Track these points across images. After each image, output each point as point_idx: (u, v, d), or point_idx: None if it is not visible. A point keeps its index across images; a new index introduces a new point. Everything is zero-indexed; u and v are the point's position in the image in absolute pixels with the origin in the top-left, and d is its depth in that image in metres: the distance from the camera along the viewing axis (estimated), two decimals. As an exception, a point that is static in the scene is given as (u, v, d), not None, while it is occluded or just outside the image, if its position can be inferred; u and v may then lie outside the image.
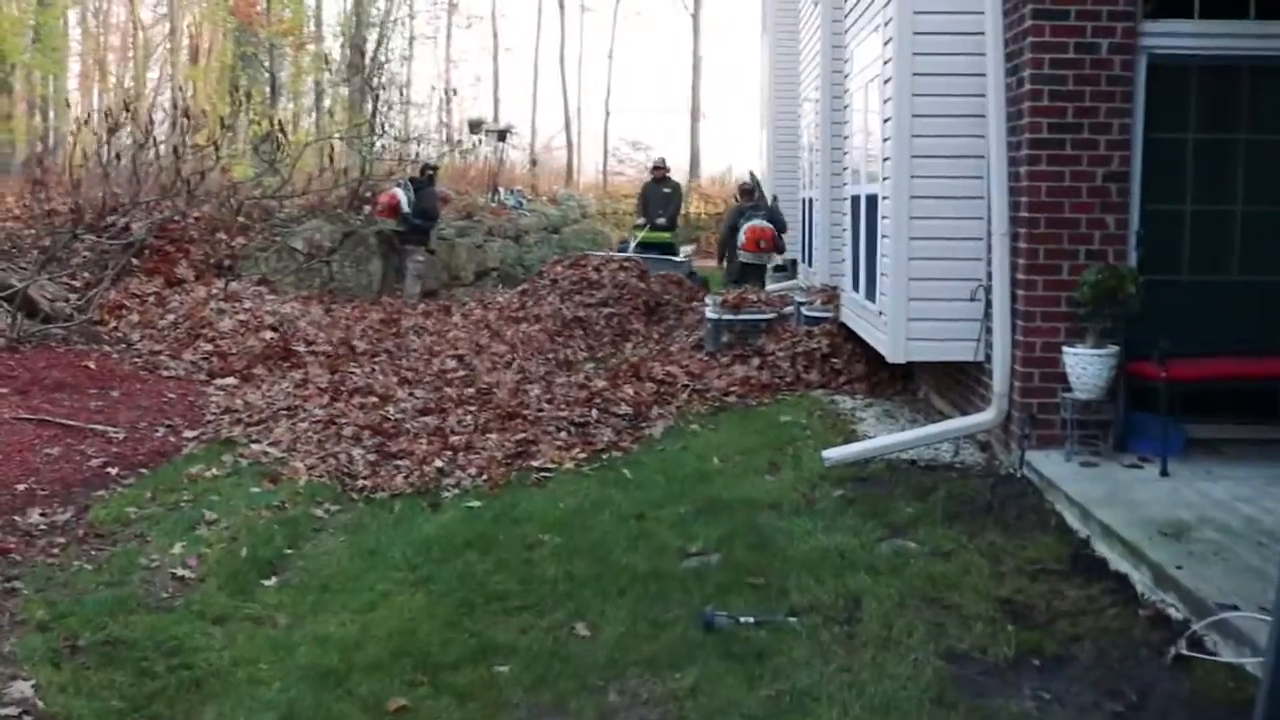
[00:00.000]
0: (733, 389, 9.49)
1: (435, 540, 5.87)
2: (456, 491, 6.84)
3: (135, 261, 12.14)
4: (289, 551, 5.82)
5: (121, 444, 7.65)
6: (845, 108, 10.20)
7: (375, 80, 16.59)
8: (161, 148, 11.80)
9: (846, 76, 10.07)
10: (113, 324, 10.85)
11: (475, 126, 21.06)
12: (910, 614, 4.54)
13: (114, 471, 7.09)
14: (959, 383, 7.97)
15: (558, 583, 5.16)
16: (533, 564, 5.45)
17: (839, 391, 9.47)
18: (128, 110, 11.77)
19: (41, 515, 6.22)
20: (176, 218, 12.88)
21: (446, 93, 17.45)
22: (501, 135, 20.48)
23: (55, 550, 5.69)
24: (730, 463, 7.26)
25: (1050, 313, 6.56)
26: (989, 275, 7.10)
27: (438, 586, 5.21)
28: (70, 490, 6.71)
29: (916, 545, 5.35)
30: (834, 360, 9.89)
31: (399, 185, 14.99)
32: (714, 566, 5.21)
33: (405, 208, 14.79)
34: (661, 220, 16.51)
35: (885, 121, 7.79)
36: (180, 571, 5.48)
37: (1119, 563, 4.98)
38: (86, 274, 11.74)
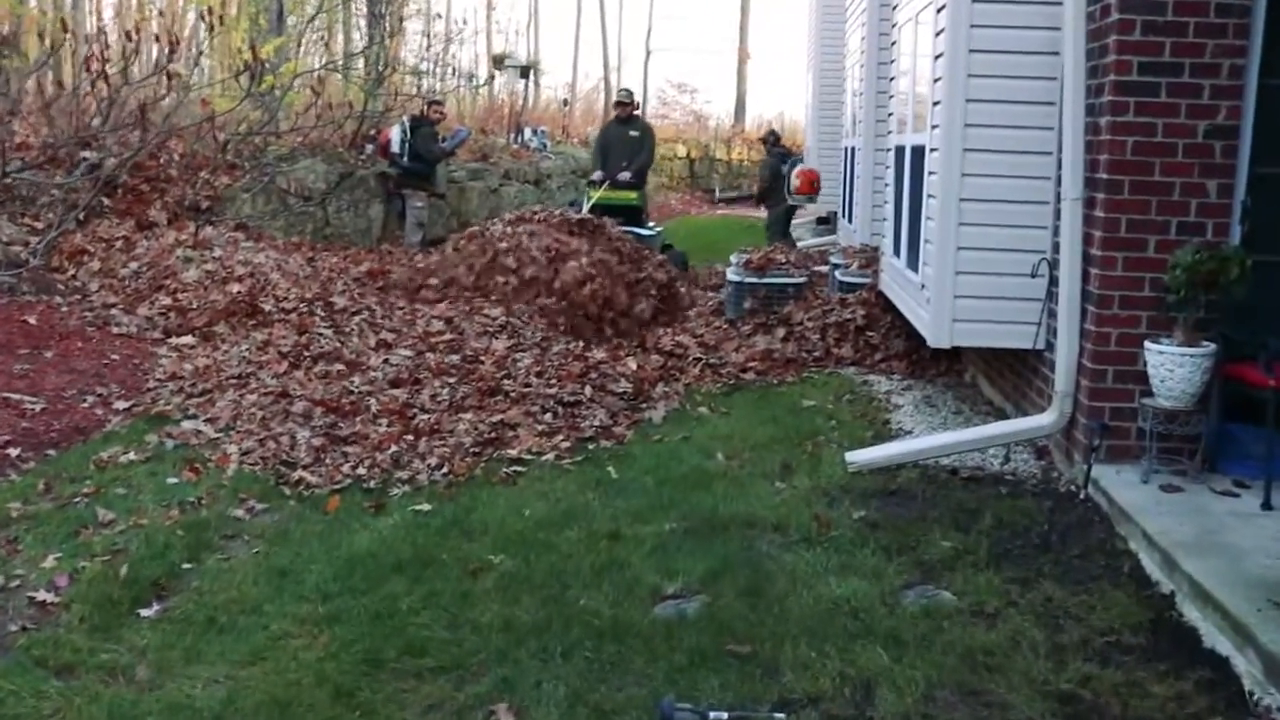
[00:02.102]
0: (751, 364, 8.34)
1: (364, 559, 4.79)
2: (408, 489, 5.74)
3: (107, 202, 11.07)
4: (187, 567, 4.77)
5: (36, 417, 6.62)
6: (892, 44, 8.92)
7: (381, 6, 15.32)
8: (127, 75, 10.63)
9: (895, 8, 8.77)
10: (71, 271, 9.82)
11: (498, 62, 19.79)
12: (939, 713, 3.40)
13: (14, 454, 6.06)
14: (1013, 369, 6.77)
15: (493, 632, 4.06)
16: (470, 601, 4.35)
17: (874, 370, 8.30)
18: (126, 36, 10.57)
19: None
20: (156, 154, 11.76)
21: (456, 23, 16.16)
22: (525, 72, 19.23)
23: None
24: (736, 461, 6.12)
25: (1130, 298, 5.34)
26: (1055, 248, 5.88)
27: (345, 629, 4.13)
28: (-47, 476, 5.72)
29: (952, 598, 4.19)
30: (869, 334, 8.71)
31: (399, 124, 13.65)
32: (691, 619, 4.08)
33: (395, 147, 13.32)
34: (625, 175, 12.18)
35: (936, 59, 6.54)
36: (42, 594, 4.45)
37: (1216, 638, 3.81)
38: (52, 215, 10.69)
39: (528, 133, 20.74)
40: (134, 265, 9.83)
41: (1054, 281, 5.88)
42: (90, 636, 4.14)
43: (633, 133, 12.62)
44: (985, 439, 5.86)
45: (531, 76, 20.82)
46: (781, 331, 8.96)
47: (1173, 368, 5.02)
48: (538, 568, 4.64)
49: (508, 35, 41.86)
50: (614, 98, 13.27)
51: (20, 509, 5.30)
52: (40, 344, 7.99)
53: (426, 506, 5.45)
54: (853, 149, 12.70)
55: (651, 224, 12.53)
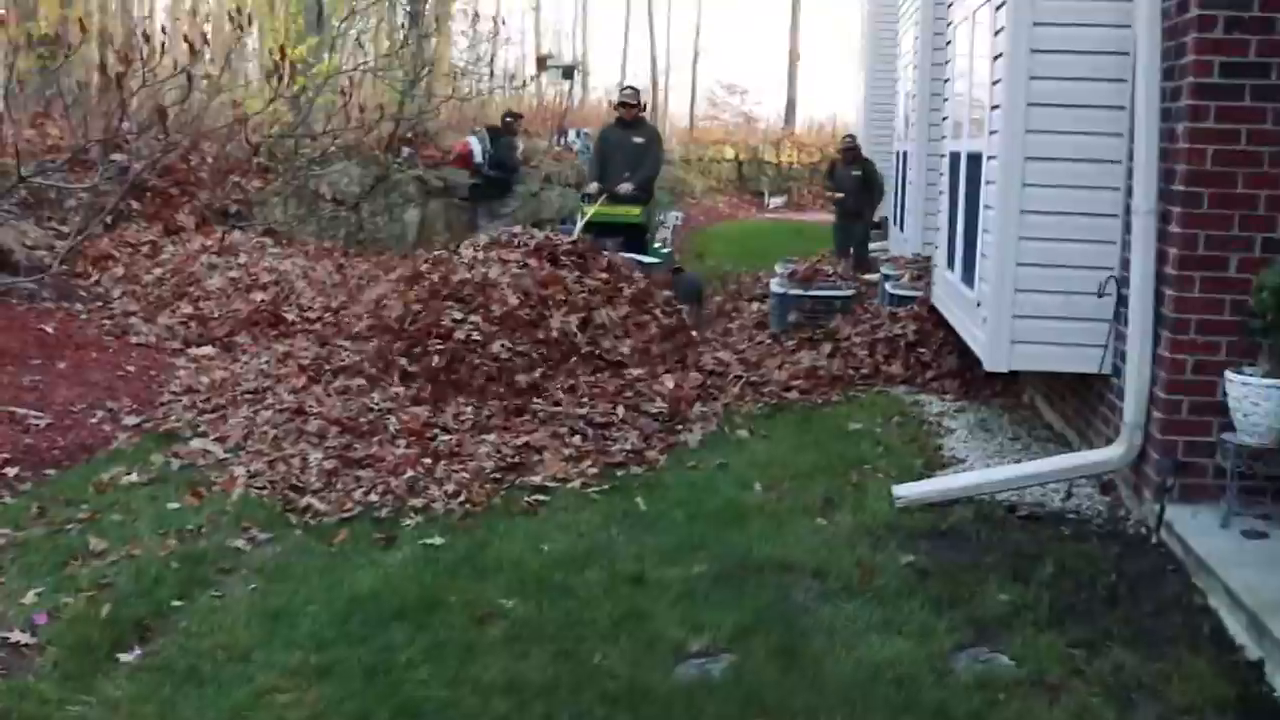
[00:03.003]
0: (795, 382, 7.89)
1: (365, 600, 4.41)
2: (421, 519, 5.35)
3: (136, 206, 10.85)
4: (176, 605, 4.42)
5: (40, 433, 6.34)
6: (947, 44, 8.44)
7: (419, 6, 15.01)
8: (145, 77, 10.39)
9: (949, 6, 8.30)
10: (95, 277, 9.58)
11: (541, 63, 19.44)
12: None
13: (12, 473, 5.79)
14: (1077, 393, 6.28)
15: (495, 694, 3.66)
16: (475, 654, 3.95)
17: (925, 389, 7.82)
18: (144, 37, 10.31)
19: (-120, 539, 4.92)
20: (186, 157, 11.51)
21: (499, 22, 15.78)
22: (568, 73, 18.86)
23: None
24: (775, 493, 5.68)
25: (1210, 322, 4.85)
26: (1125, 265, 5.39)
27: (336, 686, 3.75)
28: (-57, 500, 5.42)
29: (1010, 664, 3.74)
30: (921, 350, 8.23)
31: (474, 134, 13.58)
32: (716, 683, 3.66)
33: (478, 158, 13.60)
34: (626, 187, 10.02)
35: (995, 59, 6.07)
36: (18, 635, 4.11)
37: (1317, 718, 3.34)
38: (79, 219, 10.47)
39: (571, 135, 20.38)
40: (158, 272, 9.59)
41: (1123, 302, 5.40)
42: (61, 686, 3.80)
43: (637, 138, 10.40)
44: (1045, 474, 5.37)
45: (575, 77, 20.40)
46: (828, 347, 8.50)
47: (1258, 400, 4.52)
48: (551, 616, 4.24)
49: (556, 36, 41.56)
50: (619, 96, 11.13)
51: (9, 535, 5.01)
52: (54, 354, 7.74)
53: (439, 540, 5.06)
54: (905, 153, 12.21)
55: (659, 244, 10.80)
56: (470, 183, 13.88)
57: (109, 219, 10.67)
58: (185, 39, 10.30)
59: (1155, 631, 3.98)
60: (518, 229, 8.89)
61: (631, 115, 10.51)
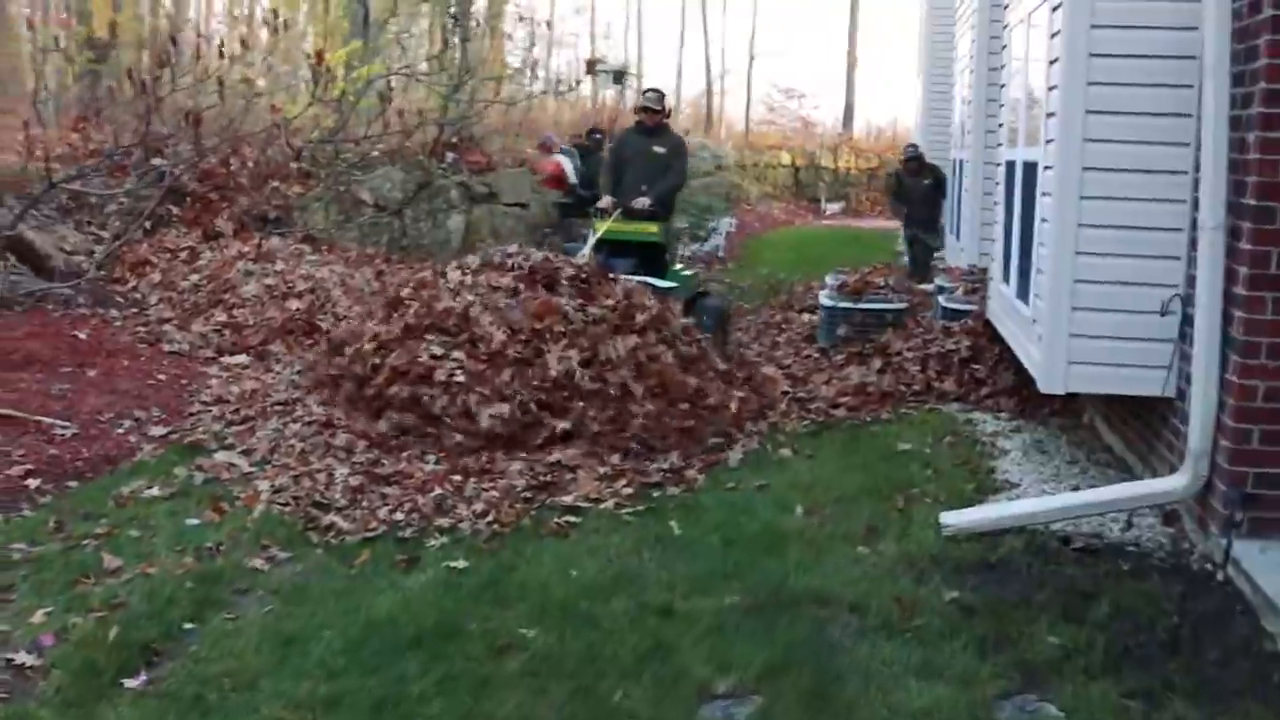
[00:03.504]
0: (843, 399, 7.64)
1: (382, 626, 4.22)
2: (446, 540, 5.16)
3: (176, 211, 10.80)
4: (188, 627, 4.24)
5: (65, 443, 6.22)
6: (1003, 48, 8.14)
7: (456, 8, 14.87)
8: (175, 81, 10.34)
9: (1006, 8, 8.00)
10: (132, 283, 9.52)
11: (591, 67, 19.29)
12: None
13: (34, 485, 5.66)
14: (1138, 415, 5.97)
15: (508, 736, 3.46)
16: (490, 688, 3.74)
17: (979, 406, 7.54)
18: (172, 40, 10.30)
19: (-108, 552, 4.81)
20: (226, 161, 11.45)
21: (544, 24, 15.58)
22: (618, 77, 18.69)
23: None
24: (816, 518, 5.42)
25: (1282, 345, 4.55)
26: (1190, 283, 5.09)
27: (343, 719, 3.57)
28: (-42, 513, 5.30)
29: (1059, 715, 3.46)
30: (975, 366, 7.95)
31: (563, 152, 13.59)
32: (744, 730, 3.44)
33: (572, 177, 13.65)
34: (643, 201, 8.83)
35: (1051, 64, 5.79)
36: (22, 657, 3.95)
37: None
38: (119, 224, 10.44)
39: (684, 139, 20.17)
40: (194, 278, 9.51)
41: (1188, 322, 5.09)
42: (62, 713, 3.63)
43: (658, 147, 9.10)
44: (1103, 503, 5.07)
45: (626, 82, 20.21)
46: (878, 362, 8.23)
47: (1333, 431, 4.22)
48: (573, 648, 4.02)
49: (609, 39, 41.46)
50: (641, 99, 9.70)
51: (24, 551, 4.86)
52: (86, 361, 7.65)
53: (463, 563, 4.85)
54: (961, 161, 11.89)
55: (680, 265, 9.67)
56: (560, 201, 13.86)
57: (148, 224, 10.62)
58: (221, 43, 10.21)
59: (1220, 681, 3.68)
60: (513, 248, 7.82)
61: (654, 121, 9.26)
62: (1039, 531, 5.05)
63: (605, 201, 9.07)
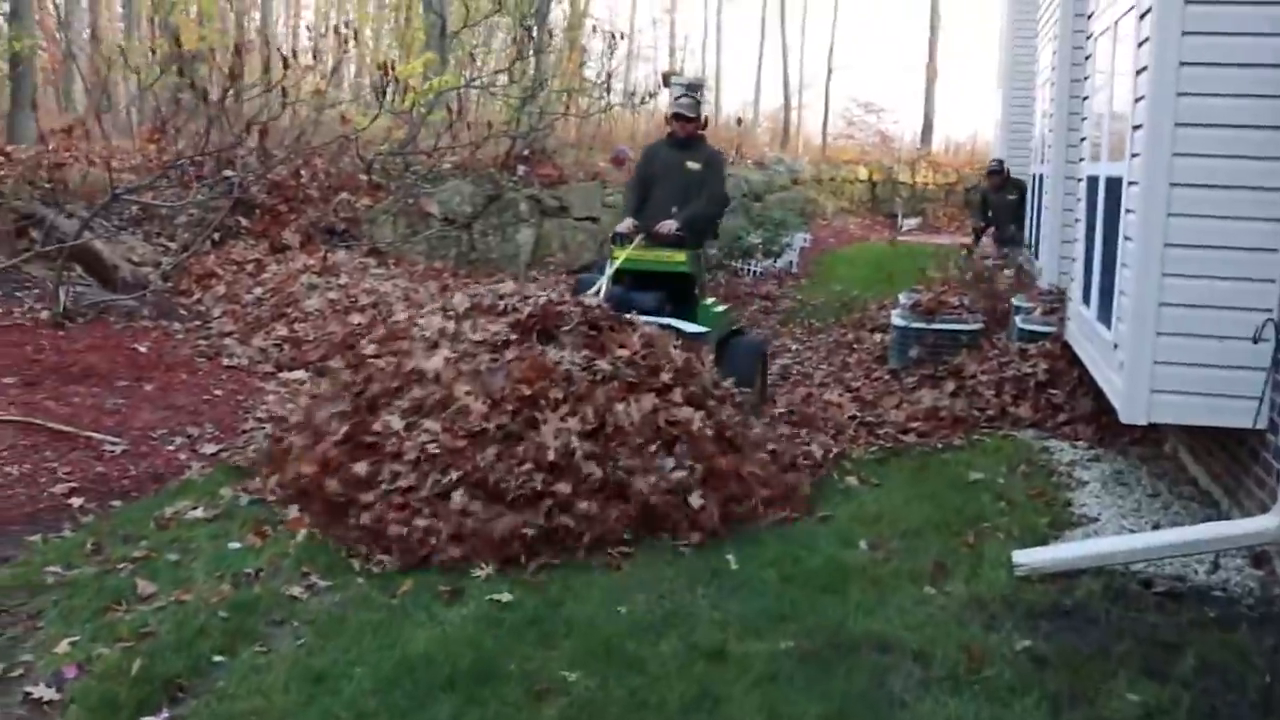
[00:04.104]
0: (913, 424, 7.35)
1: (417, 664, 4.02)
2: (492, 570, 4.95)
3: (245, 223, 10.79)
4: (217, 660, 4.07)
5: (113, 460, 6.15)
6: (1086, 58, 7.80)
7: (529, 20, 14.79)
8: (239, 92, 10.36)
9: (1090, 17, 7.66)
10: (197, 295, 9.51)
11: (666, 79, 19.12)
12: None
13: (78, 503, 5.57)
14: (1226, 448, 5.61)
15: (539, 794, 3.23)
16: (524, 739, 3.54)
17: (1056, 434, 7.20)
18: (236, 51, 10.30)
19: (-76, 574, 4.72)
20: (297, 173, 11.45)
21: (615, 37, 15.42)
22: (692, 89, 18.51)
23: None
24: (881, 552, 5.15)
25: (1389, 378, 4.20)
26: (1287, 308, 4.76)
27: (367, 770, 3.38)
28: (4, 530, 5.22)
29: (1143, 790, 3.18)
30: (1052, 391, 7.61)
31: None
32: (791, 795, 3.18)
33: None
34: (670, 225, 7.55)
35: (1138, 74, 5.46)
36: (41, 690, 3.80)
37: None
38: (187, 236, 10.45)
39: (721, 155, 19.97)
40: (258, 291, 9.47)
41: (1284, 350, 4.75)
42: (75, 754, 3.50)
43: (692, 163, 7.78)
44: (1187, 544, 4.71)
45: (699, 95, 20.00)
46: (951, 385, 7.91)
47: None
48: (616, 695, 3.79)
49: (688, 52, 41.32)
50: (672, 104, 8.28)
51: (58, 574, 4.73)
52: (144, 375, 7.60)
53: (508, 596, 4.64)
54: (1041, 176, 11.52)
55: (711, 299, 8.22)
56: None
57: (216, 236, 10.64)
58: (294, 54, 10.19)
59: (1320, 750, 3.36)
60: (508, 287, 6.69)
61: (687, 131, 7.89)
62: (1118, 573, 4.73)
63: (625, 225, 7.75)
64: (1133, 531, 5.28)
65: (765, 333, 11.26)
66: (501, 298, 6.23)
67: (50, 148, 11.60)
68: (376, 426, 5.41)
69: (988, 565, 4.89)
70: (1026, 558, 4.80)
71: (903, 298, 9.12)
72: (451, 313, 6.16)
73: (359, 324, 8.51)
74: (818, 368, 9.32)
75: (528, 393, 5.41)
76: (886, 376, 8.50)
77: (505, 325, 5.92)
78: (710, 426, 5.70)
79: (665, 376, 5.78)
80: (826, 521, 5.62)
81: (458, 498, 5.10)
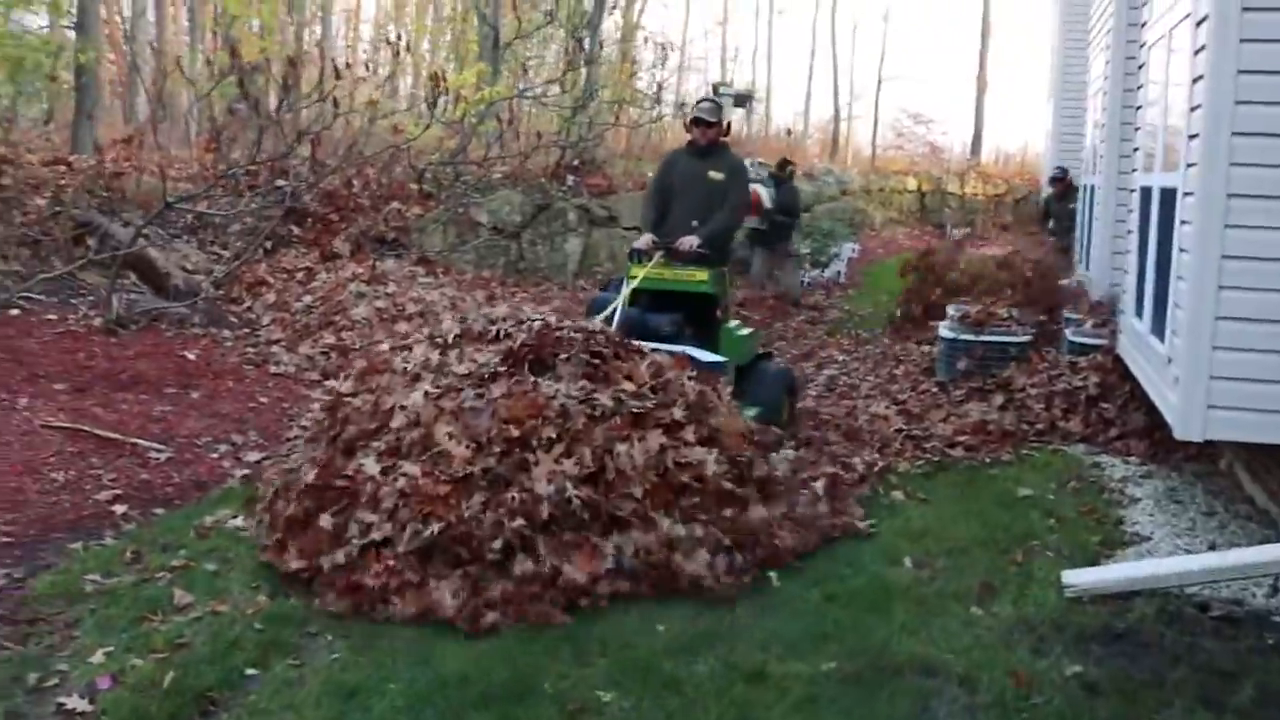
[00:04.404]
0: (961, 437, 7.21)
1: (450, 682, 3.95)
2: (531, 584, 4.89)
3: (297, 231, 10.85)
4: (250, 673, 4.04)
5: (158, 467, 6.17)
6: (1139, 67, 7.64)
7: (581, 31, 14.82)
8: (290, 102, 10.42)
9: (1143, 25, 7.50)
10: (248, 303, 9.57)
11: (716, 90, 19.06)
12: None
13: (121, 511, 5.58)
14: (1284, 465, 5.45)
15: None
16: (556, 760, 3.46)
17: (1107, 449, 7.03)
18: (293, 63, 10.37)
19: (-34, 582, 4.73)
20: (349, 182, 11.51)
21: (665, 48, 15.37)
22: (741, 101, 18.41)
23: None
24: (926, 571, 5.03)
25: None
26: (1349, 324, 4.60)
27: (395, 791, 3.32)
28: (47, 537, 5.24)
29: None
30: (1103, 405, 7.44)
31: (758, 181, 14.19)
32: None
33: (768, 203, 14.02)
34: (691, 241, 6.99)
35: (1194, 82, 5.32)
36: (75, 701, 3.78)
37: None
38: (240, 244, 10.53)
39: (745, 164, 19.92)
40: (307, 299, 9.53)
41: (1346, 367, 4.59)
42: (104, 767, 3.47)
43: (715, 173, 7.21)
44: (1246, 567, 4.57)
45: (749, 106, 19.92)
46: (999, 398, 7.77)
47: None
48: (651, 716, 3.72)
49: (739, 64, 41.25)
50: (693, 110, 7.57)
51: (97, 583, 4.73)
52: (191, 382, 7.64)
53: (546, 609, 4.58)
54: (1092, 187, 11.33)
55: (735, 321, 7.58)
56: (752, 228, 14.33)
57: (268, 244, 10.72)
58: (346, 64, 10.24)
59: (1386, 787, 3.22)
60: (501, 311, 6.03)
61: (708, 139, 7.27)
62: (1173, 595, 4.58)
63: (643, 241, 7.20)
64: (1188, 552, 5.14)
65: (812, 342, 11.11)
66: (493, 323, 5.56)
67: (109, 158, 11.75)
68: (349, 469, 4.90)
69: (1036, 585, 4.76)
70: (1076, 578, 4.67)
71: (951, 309, 8.97)
72: (439, 340, 5.52)
73: (405, 332, 8.52)
74: (864, 379, 9.19)
75: (516, 433, 4.82)
76: (934, 389, 8.36)
77: (494, 355, 5.29)
78: (725, 468, 5.08)
79: (677, 412, 5.14)
80: (872, 538, 5.50)
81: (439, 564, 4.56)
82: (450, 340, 5.50)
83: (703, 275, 7.00)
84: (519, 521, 4.58)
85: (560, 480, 4.70)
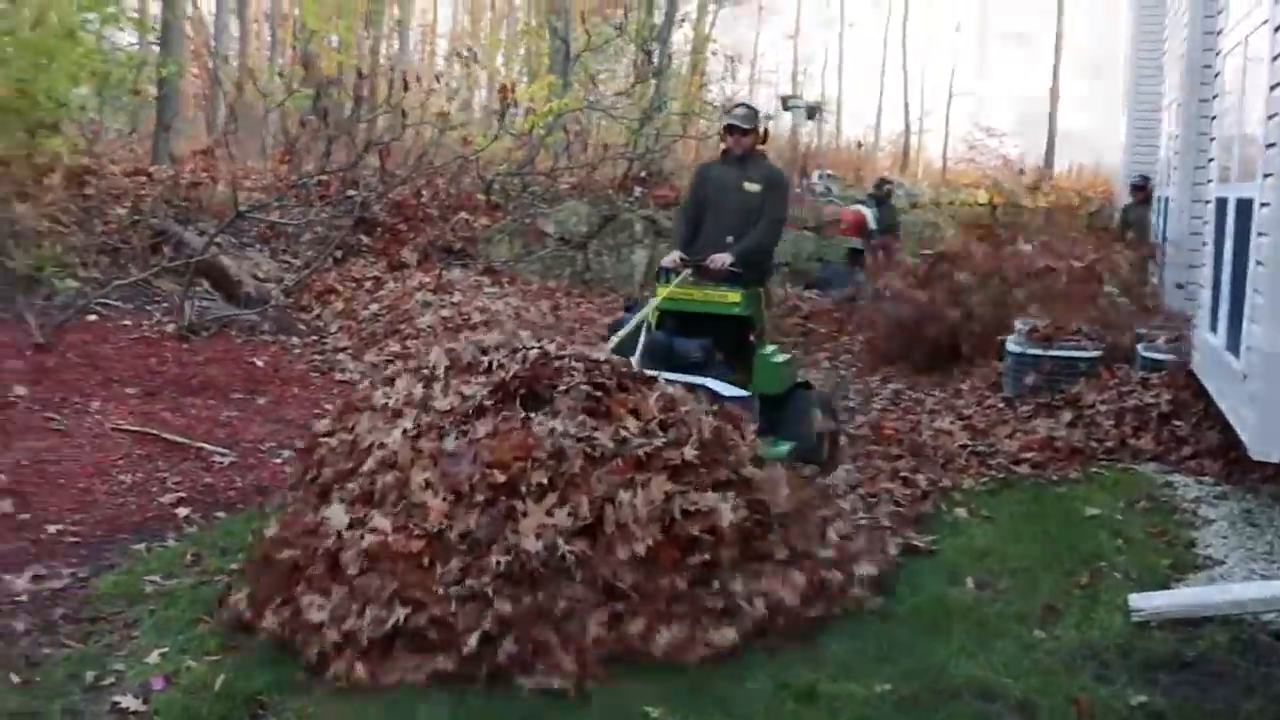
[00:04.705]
0: (1027, 454, 7.06)
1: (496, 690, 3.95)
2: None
3: (366, 241, 11.01)
4: (299, 678, 4.05)
5: (221, 471, 6.27)
6: (1215, 76, 7.46)
7: (650, 45, 14.87)
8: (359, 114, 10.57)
9: (1219, 34, 7.33)
10: (317, 311, 9.72)
11: (785, 102, 19.02)
12: None
13: (184, 513, 5.67)
14: (1366, 490, 5.26)
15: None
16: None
17: (1179, 468, 6.83)
18: (361, 75, 10.53)
19: (33, 579, 4.80)
20: (418, 193, 11.65)
21: (734, 60, 15.37)
22: (811, 112, 18.36)
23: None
24: (988, 591, 4.91)
25: None
26: None
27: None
28: (112, 537, 5.34)
29: None
30: (1176, 423, 7.25)
31: (860, 203, 14.56)
32: None
33: (872, 224, 14.39)
34: (724, 259, 6.39)
35: (1272, 90, 5.18)
36: (129, 701, 3.81)
37: None
38: (311, 253, 10.69)
39: (815, 176, 19.83)
40: (374, 307, 9.68)
41: None
42: (155, 766, 3.49)
43: (750, 184, 6.59)
44: (1325, 593, 4.42)
45: (819, 118, 19.85)
46: (1068, 415, 7.60)
47: None
48: (699, 732, 3.66)
49: (809, 77, 41.07)
50: (728, 118, 6.97)
51: (158, 584, 4.79)
52: (258, 388, 7.76)
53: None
54: (1166, 200, 11.11)
55: (772, 347, 6.79)
56: (850, 247, 14.65)
57: (338, 253, 10.87)
58: (417, 79, 10.38)
59: None
60: (494, 338, 5.25)
61: (743, 146, 6.65)
62: (1247, 622, 4.43)
63: (670, 258, 6.58)
64: (1263, 577, 4.95)
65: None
66: (484, 352, 4.89)
67: (187, 168, 12.01)
68: (313, 524, 4.35)
69: (1102, 609, 4.62)
70: (1145, 602, 4.53)
71: (1019, 323, 8.81)
72: (426, 371, 4.89)
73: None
74: (929, 393, 9.07)
75: (502, 478, 4.24)
76: (1000, 404, 8.21)
77: (482, 385, 4.65)
78: (745, 514, 4.44)
79: (688, 452, 4.45)
80: (933, 555, 5.40)
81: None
82: (438, 372, 4.84)
83: (735, 296, 6.40)
84: (505, 607, 3.98)
85: (550, 535, 4.11)
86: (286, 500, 4.85)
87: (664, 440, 4.48)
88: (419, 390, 4.74)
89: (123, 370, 7.63)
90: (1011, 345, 8.46)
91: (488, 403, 4.55)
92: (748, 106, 7.09)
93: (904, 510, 5.99)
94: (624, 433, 4.47)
